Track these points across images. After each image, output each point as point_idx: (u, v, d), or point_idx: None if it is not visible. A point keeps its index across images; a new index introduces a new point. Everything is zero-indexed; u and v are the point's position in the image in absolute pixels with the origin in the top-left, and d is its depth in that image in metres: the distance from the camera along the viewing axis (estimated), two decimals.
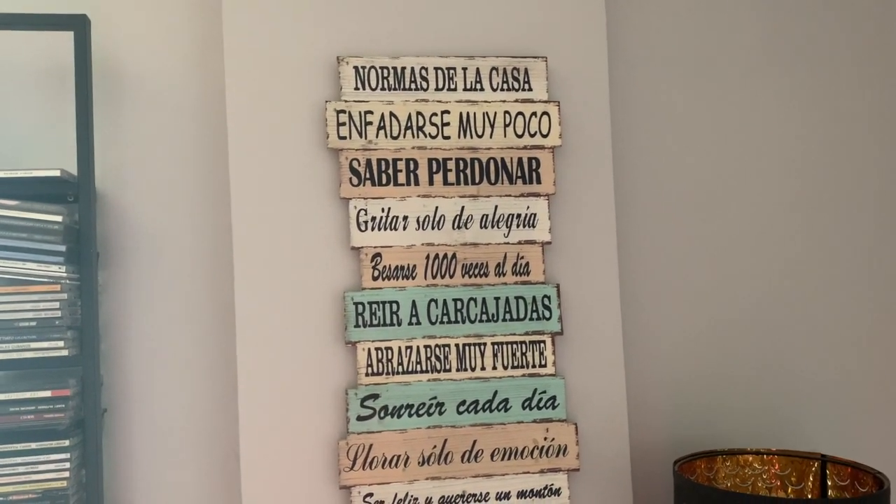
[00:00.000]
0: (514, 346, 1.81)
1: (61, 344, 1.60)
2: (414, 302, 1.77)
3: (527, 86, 1.85)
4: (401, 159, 1.79)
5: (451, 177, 1.80)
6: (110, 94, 1.86)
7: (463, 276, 1.80)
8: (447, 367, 1.78)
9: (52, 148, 1.80)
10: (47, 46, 1.82)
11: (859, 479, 1.71)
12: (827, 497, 1.79)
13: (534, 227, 1.83)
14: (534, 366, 1.81)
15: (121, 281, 1.85)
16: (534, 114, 1.84)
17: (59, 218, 1.63)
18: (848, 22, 2.16)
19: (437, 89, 1.81)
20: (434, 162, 1.80)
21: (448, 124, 1.81)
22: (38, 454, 1.59)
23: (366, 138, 1.77)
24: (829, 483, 1.79)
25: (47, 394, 1.60)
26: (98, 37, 1.82)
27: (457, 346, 1.79)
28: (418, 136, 1.80)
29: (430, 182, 1.80)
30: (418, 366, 1.77)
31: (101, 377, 1.77)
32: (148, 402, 1.84)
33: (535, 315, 1.81)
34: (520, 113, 1.83)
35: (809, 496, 1.82)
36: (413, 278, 1.78)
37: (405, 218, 1.78)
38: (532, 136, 1.83)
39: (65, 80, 1.80)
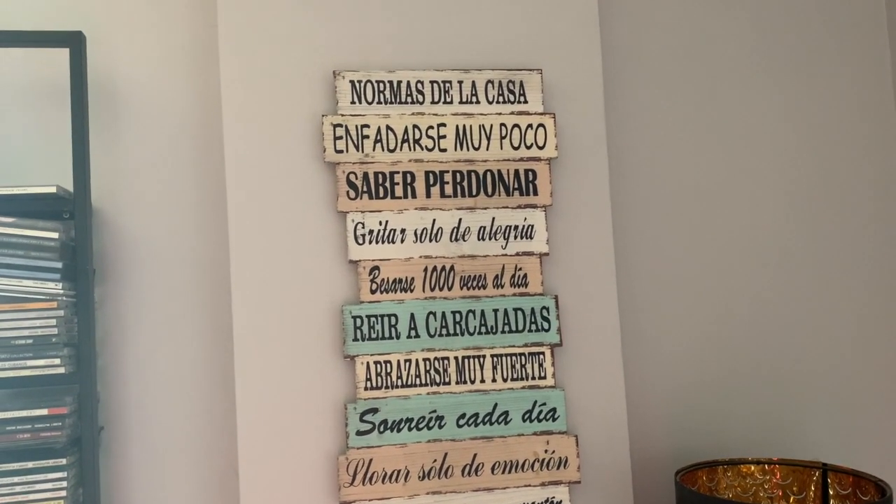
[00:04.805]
0: (514, 358, 1.80)
1: (58, 361, 1.59)
2: (412, 315, 1.77)
3: (522, 98, 1.85)
4: (398, 172, 1.79)
5: (449, 189, 1.81)
6: (106, 110, 1.86)
7: (461, 289, 1.80)
8: (446, 380, 1.77)
9: (47, 164, 1.80)
10: (43, 63, 1.82)
11: (861, 488, 1.70)
12: None
13: (531, 238, 1.83)
14: (533, 378, 1.80)
15: (117, 297, 1.84)
16: (530, 126, 1.84)
17: (55, 235, 1.63)
18: (837, 25, 2.18)
19: (433, 102, 1.82)
20: (431, 174, 1.80)
21: (444, 137, 1.81)
22: (34, 473, 1.58)
23: (363, 152, 1.78)
24: (831, 492, 1.79)
25: (44, 412, 1.59)
26: (94, 53, 1.82)
27: (456, 358, 1.78)
28: (415, 149, 1.80)
29: (428, 195, 1.80)
30: (417, 379, 1.76)
31: (98, 394, 1.76)
32: (145, 419, 1.83)
33: (533, 327, 1.81)
34: (516, 125, 1.84)
35: None
36: (411, 291, 1.77)
37: (403, 231, 1.78)
38: (528, 147, 1.84)
39: (60, 97, 1.80)
